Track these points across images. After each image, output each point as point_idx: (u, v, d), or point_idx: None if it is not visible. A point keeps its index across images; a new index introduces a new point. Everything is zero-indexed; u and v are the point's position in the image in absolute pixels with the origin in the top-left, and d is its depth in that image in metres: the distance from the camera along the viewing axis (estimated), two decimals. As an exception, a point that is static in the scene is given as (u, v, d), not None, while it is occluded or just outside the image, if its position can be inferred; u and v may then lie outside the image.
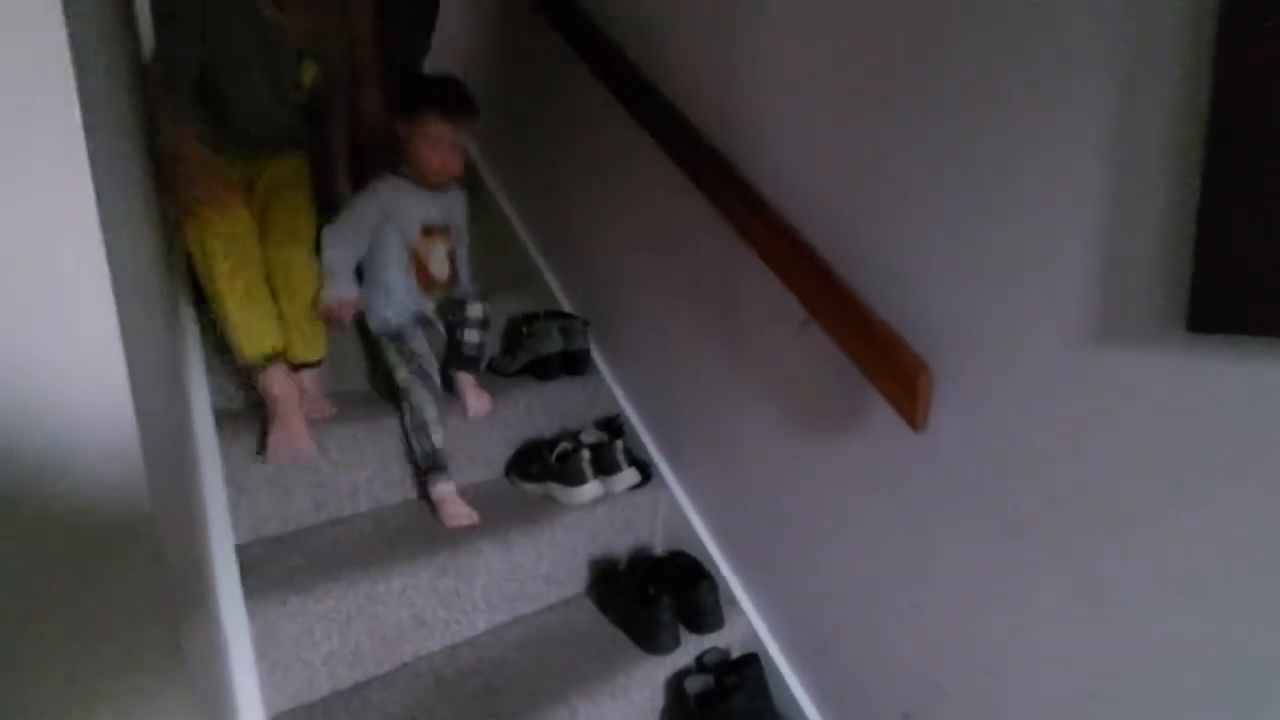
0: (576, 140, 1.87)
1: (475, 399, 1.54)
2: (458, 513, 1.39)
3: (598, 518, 1.51)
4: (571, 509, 1.48)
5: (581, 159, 1.86)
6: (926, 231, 1.06)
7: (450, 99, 1.48)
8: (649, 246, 1.65)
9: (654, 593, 1.36)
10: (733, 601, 1.46)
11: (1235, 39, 0.75)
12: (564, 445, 1.53)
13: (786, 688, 1.37)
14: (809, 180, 1.24)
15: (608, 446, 1.55)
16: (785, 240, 1.21)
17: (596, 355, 1.82)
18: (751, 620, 1.45)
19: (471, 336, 1.57)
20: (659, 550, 1.62)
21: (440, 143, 1.47)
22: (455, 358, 1.57)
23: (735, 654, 1.44)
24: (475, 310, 1.59)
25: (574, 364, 1.76)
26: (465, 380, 1.56)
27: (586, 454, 1.51)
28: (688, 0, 1.46)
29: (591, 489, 1.50)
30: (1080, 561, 0.95)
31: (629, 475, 1.56)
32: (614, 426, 1.66)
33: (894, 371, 1.03)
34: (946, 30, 1.01)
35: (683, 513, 1.58)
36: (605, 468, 1.54)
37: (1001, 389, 1.00)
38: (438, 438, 1.41)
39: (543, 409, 1.69)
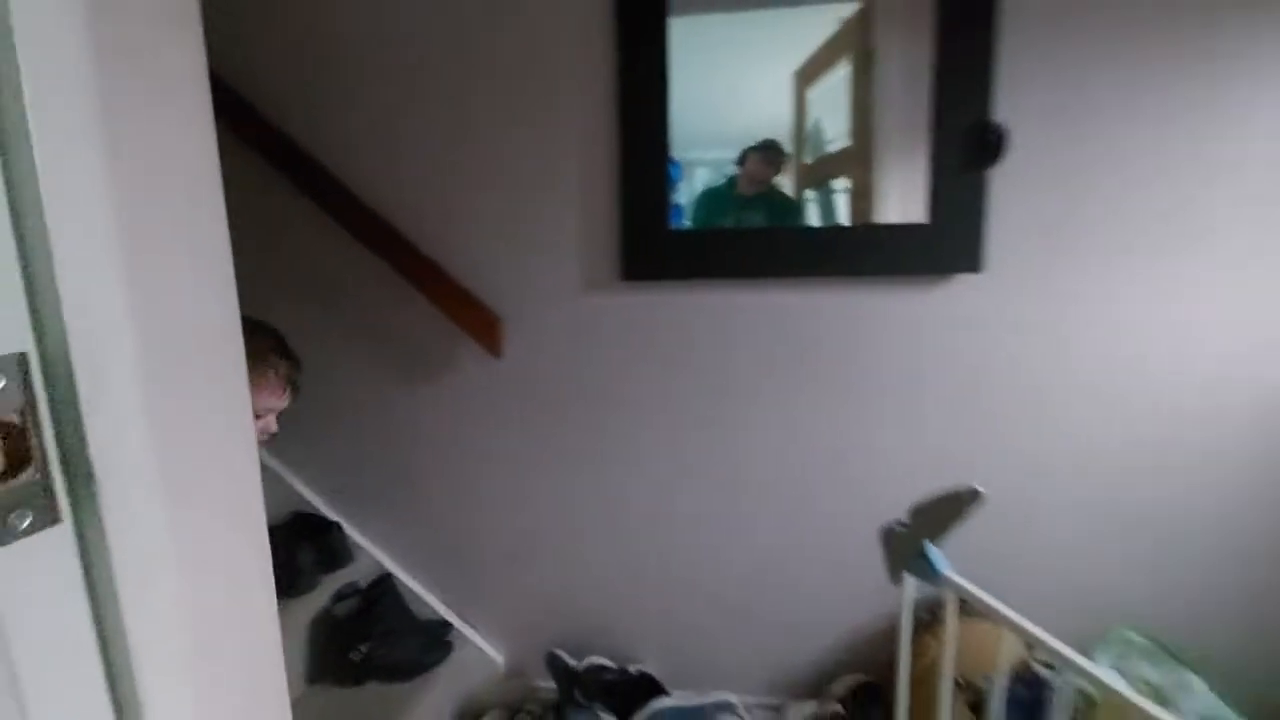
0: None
1: None
2: None
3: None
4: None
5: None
6: (493, 229, 1.55)
7: None
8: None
9: (289, 547, 1.50)
10: (358, 545, 1.70)
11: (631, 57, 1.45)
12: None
13: (416, 596, 1.69)
14: (415, 197, 1.59)
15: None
16: (390, 237, 1.54)
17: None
18: (376, 554, 1.71)
19: None
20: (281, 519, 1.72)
21: None
22: None
23: (367, 582, 1.68)
24: None
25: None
26: None
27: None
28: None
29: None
30: (615, 437, 1.57)
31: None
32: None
33: (477, 320, 1.49)
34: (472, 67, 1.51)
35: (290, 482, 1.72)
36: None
37: (546, 324, 1.56)
38: None
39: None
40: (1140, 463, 1.41)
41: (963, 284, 1.41)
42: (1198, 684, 1.29)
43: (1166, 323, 1.37)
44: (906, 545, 0.99)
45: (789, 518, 1.56)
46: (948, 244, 1.40)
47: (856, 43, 1.58)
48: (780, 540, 1.57)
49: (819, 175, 1.75)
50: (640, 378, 1.55)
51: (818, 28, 1.62)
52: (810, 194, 1.75)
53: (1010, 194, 1.36)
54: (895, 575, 1.05)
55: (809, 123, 1.76)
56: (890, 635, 1.48)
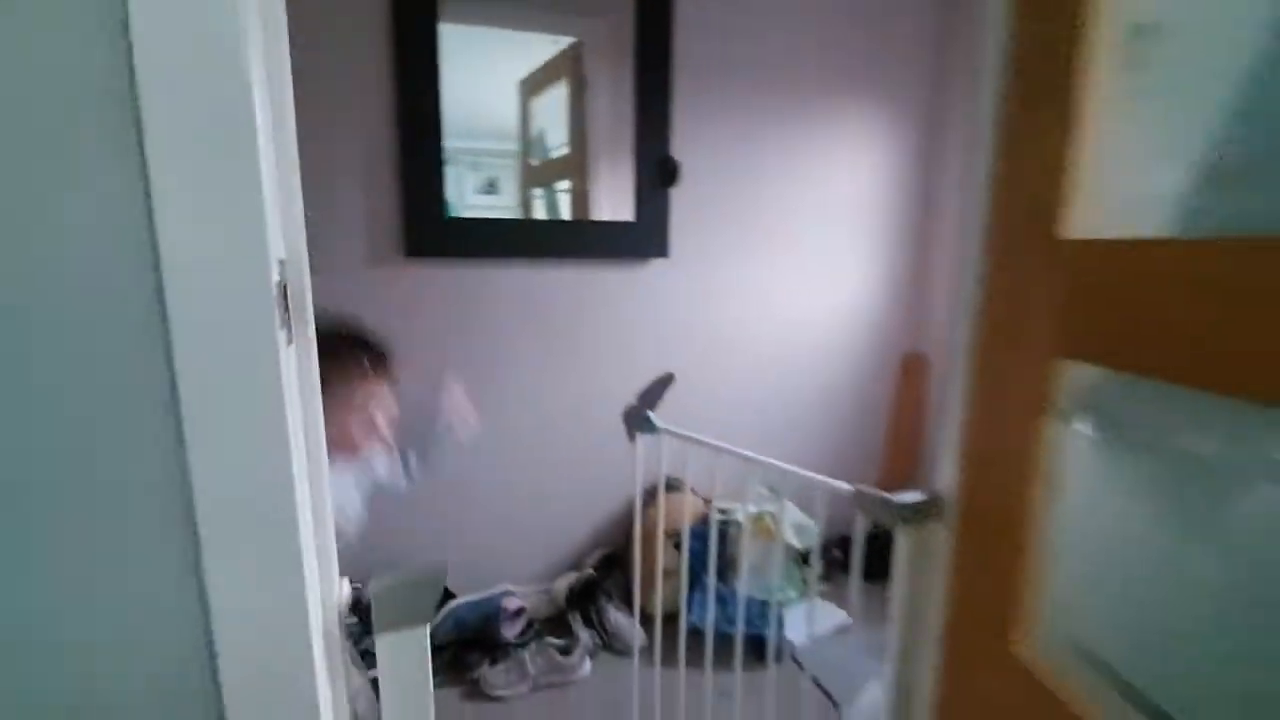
0: None
1: None
2: None
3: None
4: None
5: None
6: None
7: None
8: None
9: None
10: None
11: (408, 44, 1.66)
12: None
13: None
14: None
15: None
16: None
17: None
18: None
19: None
20: None
21: None
22: None
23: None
24: None
25: None
26: None
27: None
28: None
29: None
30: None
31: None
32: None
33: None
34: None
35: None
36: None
37: (334, 294, 1.71)
38: None
39: None
40: (766, 371, 2.20)
41: (657, 265, 1.99)
42: (791, 508, 2.14)
43: (780, 290, 2.14)
44: (637, 414, 1.51)
45: (543, 445, 2.03)
46: (646, 237, 1.94)
47: (572, 70, 1.99)
48: (538, 462, 2.04)
49: (545, 176, 2.16)
50: (418, 338, 1.83)
51: (543, 48, 1.99)
52: (538, 192, 2.16)
53: (685, 203, 1.95)
54: (631, 435, 1.57)
55: (535, 129, 2.15)
56: (624, 519, 2.07)
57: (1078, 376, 0.64)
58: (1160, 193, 0.58)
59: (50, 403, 0.45)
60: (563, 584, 2.02)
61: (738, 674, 1.40)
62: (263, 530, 0.51)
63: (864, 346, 2.29)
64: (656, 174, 1.85)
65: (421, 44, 1.64)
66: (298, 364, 0.62)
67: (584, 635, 1.87)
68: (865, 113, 2.11)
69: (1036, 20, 0.67)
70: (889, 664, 0.91)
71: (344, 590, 0.79)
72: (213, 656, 0.52)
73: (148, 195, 0.44)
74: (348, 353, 1.15)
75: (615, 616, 1.93)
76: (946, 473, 0.83)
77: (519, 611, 1.87)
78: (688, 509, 1.86)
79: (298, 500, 0.53)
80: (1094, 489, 0.66)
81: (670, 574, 1.85)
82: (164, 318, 0.46)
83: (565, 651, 1.81)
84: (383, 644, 0.66)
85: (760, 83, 1.96)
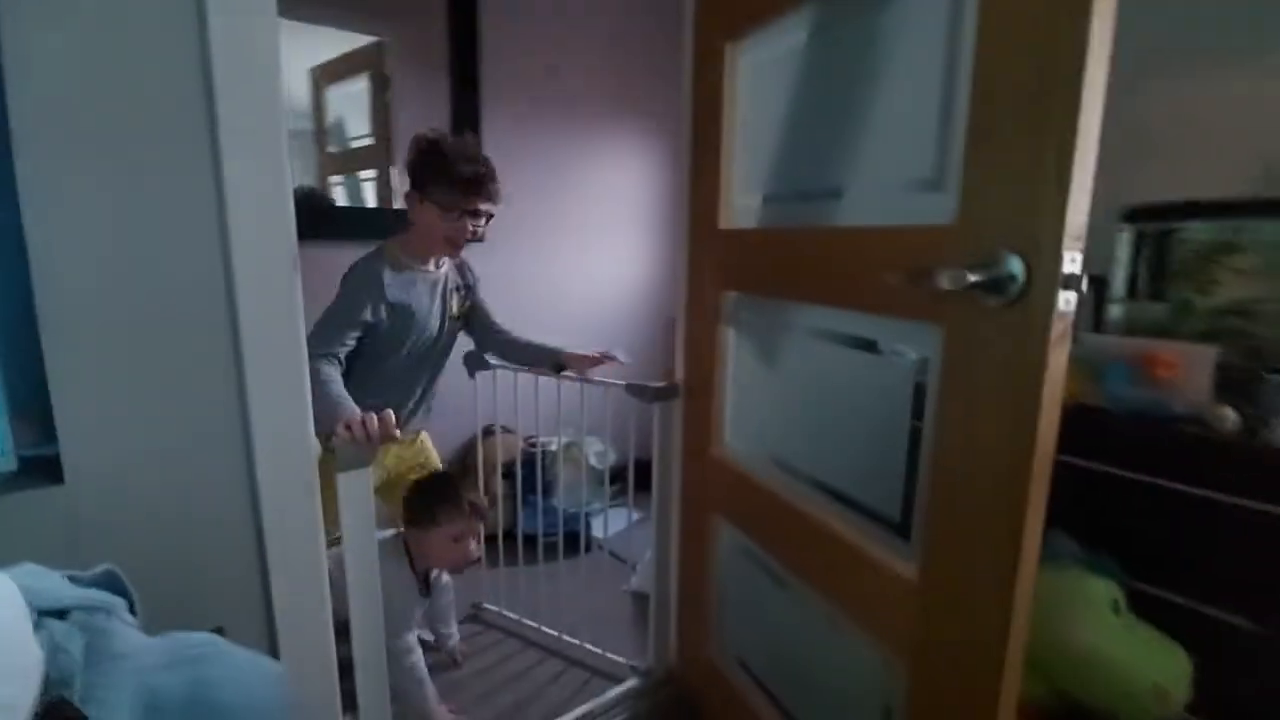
0: None
1: None
2: None
3: None
4: None
5: None
6: None
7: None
8: None
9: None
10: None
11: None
12: None
13: None
14: None
15: None
16: None
17: None
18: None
19: None
20: None
21: None
22: None
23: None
24: None
25: None
26: None
27: None
28: None
29: None
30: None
31: None
32: None
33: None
34: None
35: None
36: None
37: None
38: None
39: None
40: (567, 333, 2.72)
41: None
42: (593, 440, 2.69)
43: (573, 269, 2.66)
44: (475, 358, 1.91)
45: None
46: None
47: (374, 66, 2.26)
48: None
49: (347, 164, 2.39)
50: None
51: (337, 42, 2.22)
52: (339, 178, 2.38)
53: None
54: (471, 374, 1.96)
55: (331, 117, 2.36)
56: (467, 451, 2.45)
57: (729, 299, 1.24)
58: (753, 206, 1.18)
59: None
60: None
61: (560, 561, 1.93)
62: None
63: (640, 311, 2.91)
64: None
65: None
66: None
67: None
68: (635, 128, 2.70)
69: (701, 102, 1.24)
70: (655, 487, 1.48)
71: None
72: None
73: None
74: (456, 497, 1.44)
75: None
76: (679, 368, 1.41)
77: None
78: (517, 445, 2.31)
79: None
80: (739, 357, 1.26)
81: (507, 498, 2.30)
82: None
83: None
84: (343, 479, 1.04)
85: (556, 100, 2.45)
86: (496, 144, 2.32)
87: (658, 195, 2.86)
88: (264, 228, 0.80)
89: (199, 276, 0.79)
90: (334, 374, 1.30)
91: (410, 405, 1.57)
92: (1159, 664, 1.08)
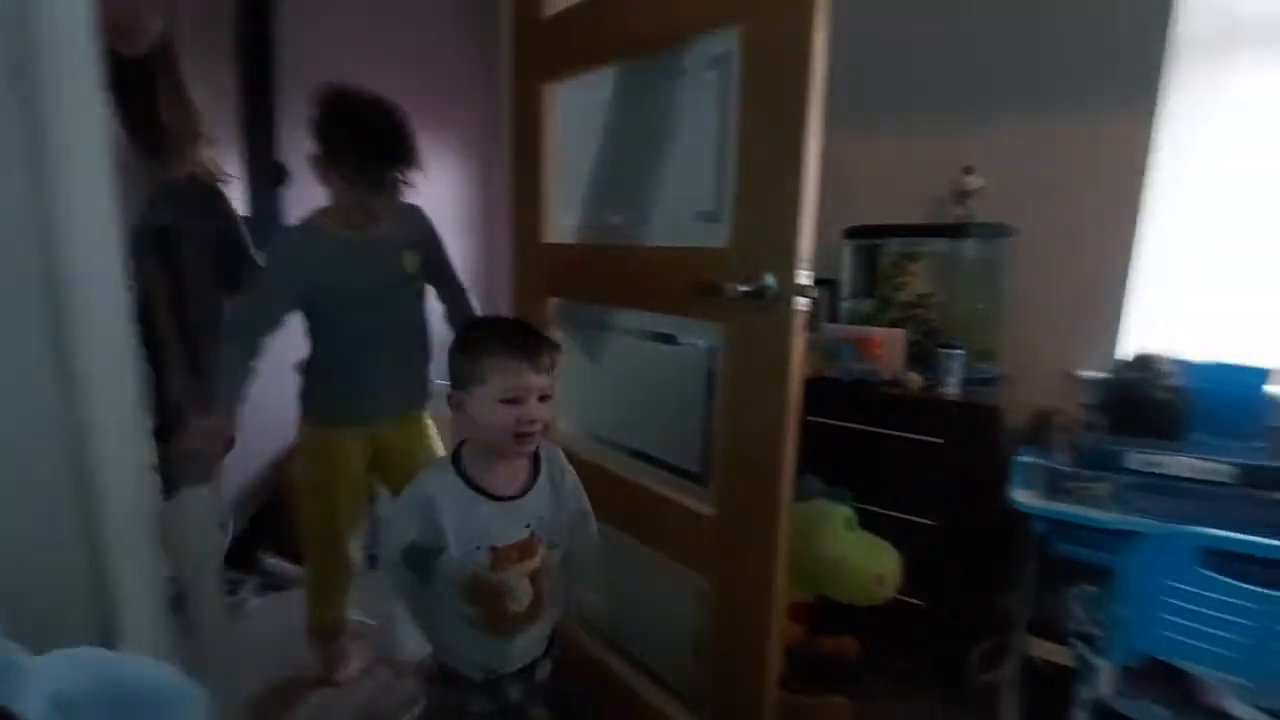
0: None
1: None
2: None
3: None
4: None
5: None
6: None
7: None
8: None
9: None
10: None
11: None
12: None
13: None
14: None
15: None
16: None
17: None
18: None
19: None
20: None
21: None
22: None
23: None
24: None
25: None
26: None
27: None
28: None
29: None
30: None
31: None
32: None
33: None
34: None
35: None
36: None
37: None
38: None
39: None
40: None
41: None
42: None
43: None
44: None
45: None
46: (261, 228, 2.21)
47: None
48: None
49: None
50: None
51: None
52: None
53: (304, 201, 2.28)
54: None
55: None
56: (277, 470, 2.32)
57: (557, 304, 1.43)
58: (573, 224, 1.38)
59: None
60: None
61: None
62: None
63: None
64: (266, 176, 2.15)
65: None
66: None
67: (248, 580, 2.11)
68: (454, 135, 2.74)
69: (522, 132, 1.41)
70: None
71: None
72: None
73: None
74: (508, 334, 1.11)
75: (272, 563, 2.20)
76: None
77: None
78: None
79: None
80: (563, 354, 1.46)
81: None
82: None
83: (232, 592, 2.03)
84: (185, 494, 1.04)
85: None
86: (297, 146, 2.24)
87: (469, 208, 2.92)
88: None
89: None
90: (236, 359, 1.23)
91: (385, 379, 1.42)
92: (879, 560, 1.49)
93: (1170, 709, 1.05)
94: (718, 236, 1.04)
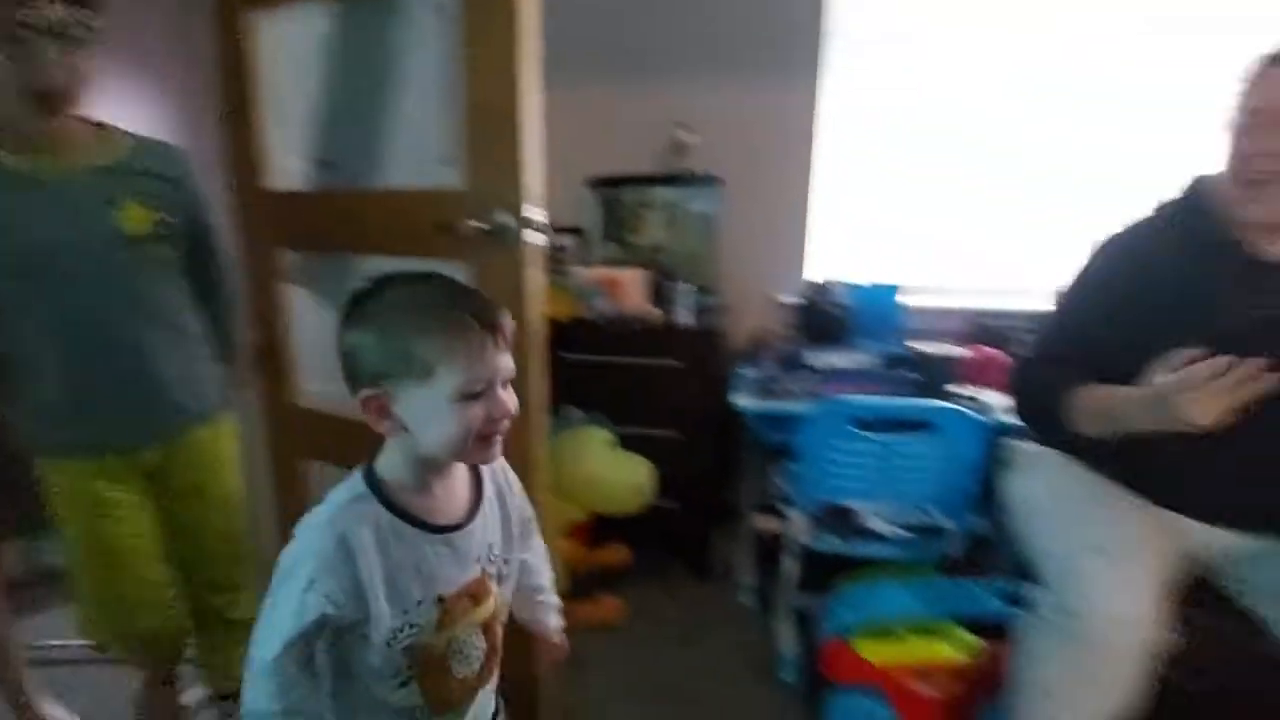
0: None
1: None
2: None
3: None
4: None
5: None
6: None
7: None
8: None
9: None
10: None
11: None
12: None
13: None
14: None
15: None
16: None
17: None
18: None
19: None
20: None
21: None
22: None
23: None
24: None
25: None
26: None
27: None
28: None
29: None
30: None
31: None
32: None
33: None
34: None
35: None
36: None
37: None
38: None
39: None
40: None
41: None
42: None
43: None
44: None
45: None
46: None
47: None
48: None
49: None
50: None
51: None
52: None
53: None
54: None
55: None
56: None
57: (289, 257, 1.35)
58: (302, 169, 1.31)
59: None
60: None
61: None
62: None
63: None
64: None
65: None
66: None
67: None
68: (151, 72, 2.29)
69: (229, 67, 1.29)
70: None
71: None
72: None
73: None
74: (452, 305, 0.76)
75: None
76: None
77: None
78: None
79: None
80: (305, 309, 1.39)
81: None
82: None
83: None
84: None
85: None
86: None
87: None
88: None
89: None
90: None
91: (121, 387, 1.00)
92: (636, 474, 1.70)
93: (841, 536, 1.39)
94: (455, 178, 1.08)
